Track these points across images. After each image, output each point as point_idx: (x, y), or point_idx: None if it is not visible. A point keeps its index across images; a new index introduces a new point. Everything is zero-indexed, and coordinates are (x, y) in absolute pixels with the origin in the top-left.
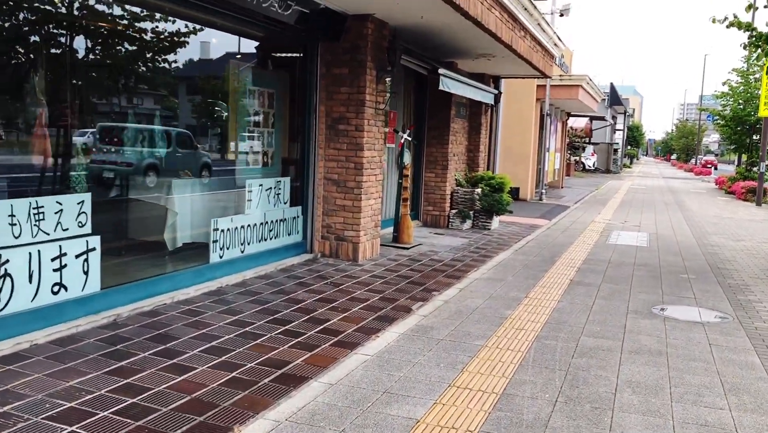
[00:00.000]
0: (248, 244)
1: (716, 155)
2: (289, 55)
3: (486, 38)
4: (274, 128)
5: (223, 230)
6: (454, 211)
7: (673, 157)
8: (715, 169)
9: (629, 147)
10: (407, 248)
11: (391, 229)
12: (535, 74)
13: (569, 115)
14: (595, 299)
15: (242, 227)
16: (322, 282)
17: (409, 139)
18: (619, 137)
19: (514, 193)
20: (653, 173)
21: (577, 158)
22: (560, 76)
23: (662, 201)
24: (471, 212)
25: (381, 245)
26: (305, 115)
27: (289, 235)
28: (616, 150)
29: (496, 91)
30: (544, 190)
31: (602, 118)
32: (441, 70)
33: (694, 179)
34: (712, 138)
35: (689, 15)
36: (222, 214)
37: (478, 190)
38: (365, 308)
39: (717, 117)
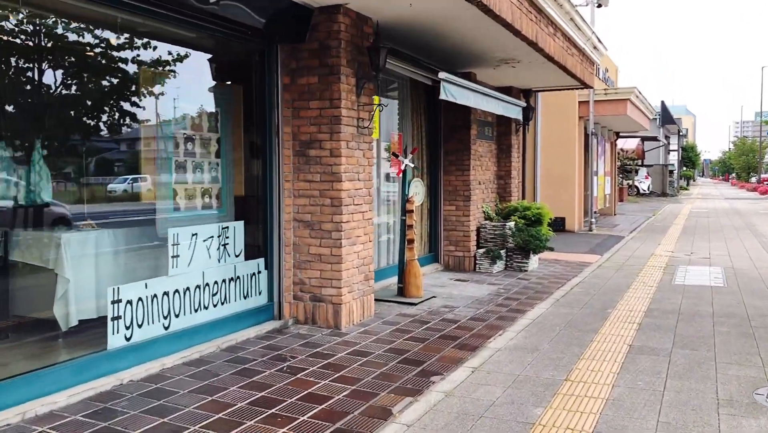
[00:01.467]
0: (176, 316)
1: None
2: (240, 62)
3: (502, 34)
4: (220, 158)
5: (131, 301)
6: (481, 250)
7: (732, 176)
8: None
9: (685, 168)
10: (414, 304)
11: (395, 279)
12: (574, 85)
13: (618, 135)
14: (666, 378)
15: (165, 294)
16: (277, 368)
17: (411, 165)
18: (673, 158)
19: (559, 224)
20: (713, 194)
21: (630, 182)
22: (605, 90)
23: (731, 225)
24: (503, 251)
25: (379, 300)
26: (265, 138)
27: (245, 298)
28: (671, 172)
29: (523, 104)
30: (593, 220)
31: (655, 139)
32: (442, 74)
33: (761, 199)
34: None
35: (739, 29)
36: (131, 278)
37: (511, 224)
38: (321, 414)
39: None
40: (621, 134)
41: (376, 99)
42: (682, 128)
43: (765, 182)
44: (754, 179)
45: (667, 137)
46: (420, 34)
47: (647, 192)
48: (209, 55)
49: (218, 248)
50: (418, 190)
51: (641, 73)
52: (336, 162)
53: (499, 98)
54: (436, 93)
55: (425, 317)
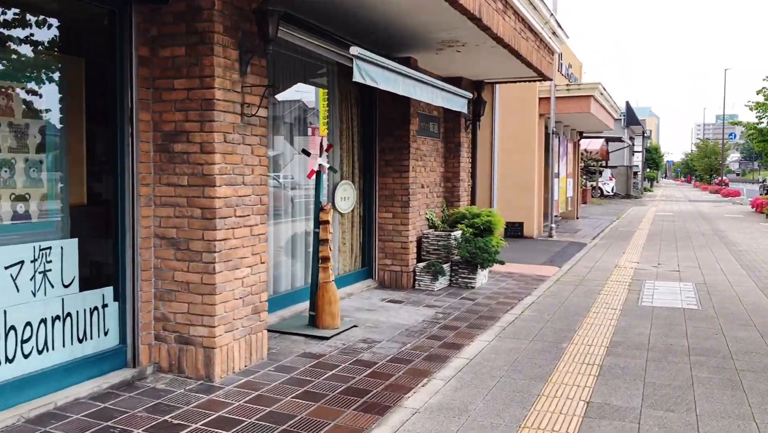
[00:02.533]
0: None
1: (737, 174)
2: (81, 27)
3: (439, 5)
4: (45, 153)
5: None
6: (422, 265)
7: (695, 178)
8: (726, 186)
9: (648, 170)
10: (326, 338)
11: (307, 304)
12: (531, 76)
13: (581, 135)
14: None
15: None
16: None
17: (326, 165)
18: (638, 159)
19: (517, 229)
20: (677, 196)
21: (594, 183)
22: (567, 86)
23: (698, 231)
24: (446, 266)
25: (284, 333)
26: (115, 128)
27: (81, 341)
28: (635, 173)
29: (469, 95)
30: (554, 225)
31: (619, 139)
32: (354, 50)
33: (724, 202)
34: (732, 157)
35: (702, 32)
36: None
37: (457, 233)
38: None
39: (752, 131)
40: (585, 134)
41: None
42: (647, 129)
43: (725, 184)
44: (716, 181)
45: (631, 138)
46: (335, 4)
47: (611, 194)
48: (37, 17)
49: (33, 277)
50: (347, 195)
51: (606, 73)
52: (208, 160)
53: (439, 86)
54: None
55: (335, 357)
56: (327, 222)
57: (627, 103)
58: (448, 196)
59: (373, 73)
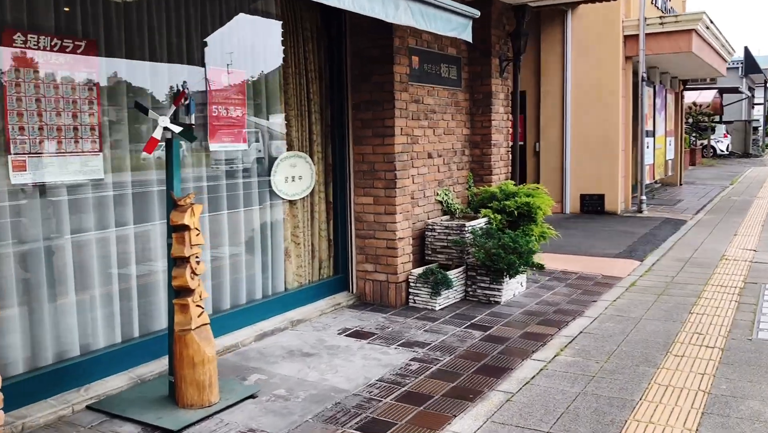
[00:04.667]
0: None
1: None
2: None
3: None
4: None
5: None
6: (418, 272)
7: None
8: None
9: None
10: (175, 432)
11: (165, 363)
12: None
13: (685, 85)
14: None
15: None
16: None
17: (175, 128)
18: (758, 113)
19: (596, 204)
20: None
21: (705, 141)
22: (661, 18)
23: None
24: (456, 272)
25: (112, 416)
26: None
27: None
28: (755, 129)
29: (471, 11)
30: (644, 197)
31: (736, 90)
32: None
33: None
34: None
35: None
36: None
37: (478, 222)
38: None
39: None
40: (690, 84)
41: None
42: None
43: None
44: None
45: (751, 89)
46: None
47: (726, 153)
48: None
49: None
50: (297, 173)
51: (719, 13)
52: None
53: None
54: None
55: None
56: (186, 228)
57: (746, 48)
58: (476, 169)
59: None
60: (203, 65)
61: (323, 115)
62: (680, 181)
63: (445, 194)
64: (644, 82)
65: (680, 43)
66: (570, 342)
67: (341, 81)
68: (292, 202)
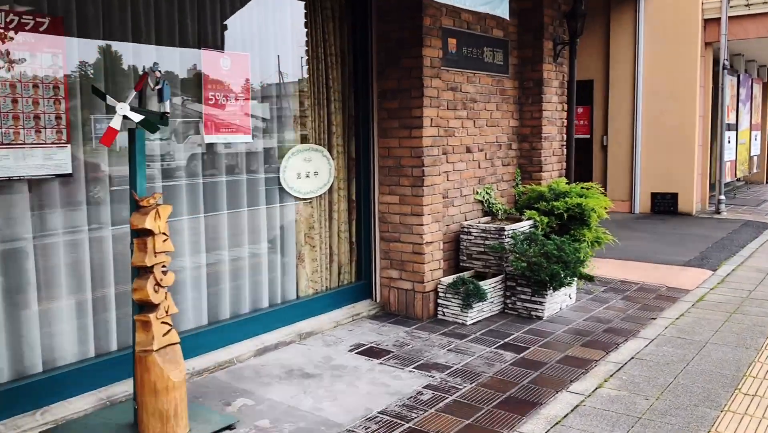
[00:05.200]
0: None
1: None
2: None
3: None
4: None
5: None
6: (448, 281)
7: None
8: None
9: None
10: None
11: (129, 388)
12: None
13: None
14: None
15: None
16: None
17: (135, 117)
18: None
19: (669, 204)
20: None
21: None
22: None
23: None
24: (493, 281)
25: None
26: None
27: None
28: None
29: None
30: (723, 197)
31: None
32: None
33: None
34: None
35: None
36: None
37: (521, 225)
38: None
39: None
40: None
41: None
42: None
43: None
44: None
45: None
46: None
47: None
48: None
49: None
50: (312, 168)
51: None
52: None
53: None
54: None
55: None
56: (149, 233)
57: None
58: (524, 165)
59: None
60: (199, 47)
61: (346, 104)
62: (766, 179)
63: (487, 193)
64: (726, 71)
65: None
66: (617, 370)
67: (366, 67)
68: (306, 201)
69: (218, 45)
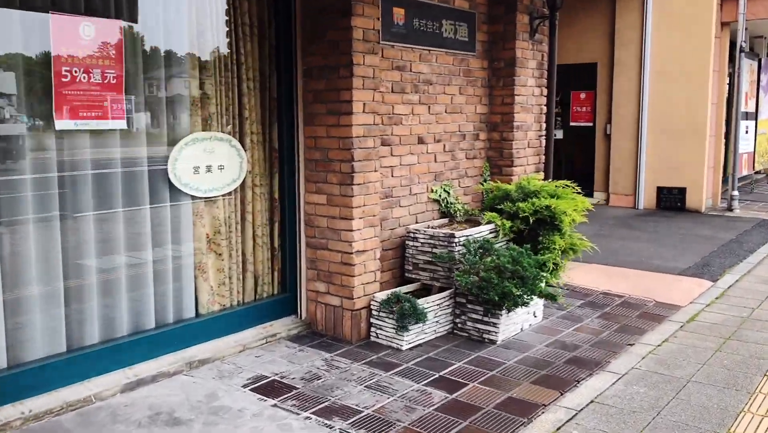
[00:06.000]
0: None
1: None
2: None
3: None
4: None
5: None
6: (381, 297)
7: None
8: None
9: None
10: None
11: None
12: None
13: None
14: None
15: None
16: None
17: None
18: None
19: (676, 199)
20: None
21: None
22: None
23: None
24: (438, 298)
25: None
26: None
27: None
28: None
29: None
30: (737, 192)
31: None
32: None
33: None
34: None
35: None
36: None
37: (478, 231)
38: None
39: None
40: None
41: None
42: None
43: None
44: None
45: None
46: None
47: None
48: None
49: None
50: (215, 162)
51: None
52: None
53: None
54: None
55: None
56: None
57: None
58: (493, 157)
59: None
60: (46, 11)
61: (265, 84)
62: None
63: (444, 191)
64: (743, 54)
65: None
66: (567, 421)
67: (289, 39)
68: (210, 200)
69: (78, 8)
